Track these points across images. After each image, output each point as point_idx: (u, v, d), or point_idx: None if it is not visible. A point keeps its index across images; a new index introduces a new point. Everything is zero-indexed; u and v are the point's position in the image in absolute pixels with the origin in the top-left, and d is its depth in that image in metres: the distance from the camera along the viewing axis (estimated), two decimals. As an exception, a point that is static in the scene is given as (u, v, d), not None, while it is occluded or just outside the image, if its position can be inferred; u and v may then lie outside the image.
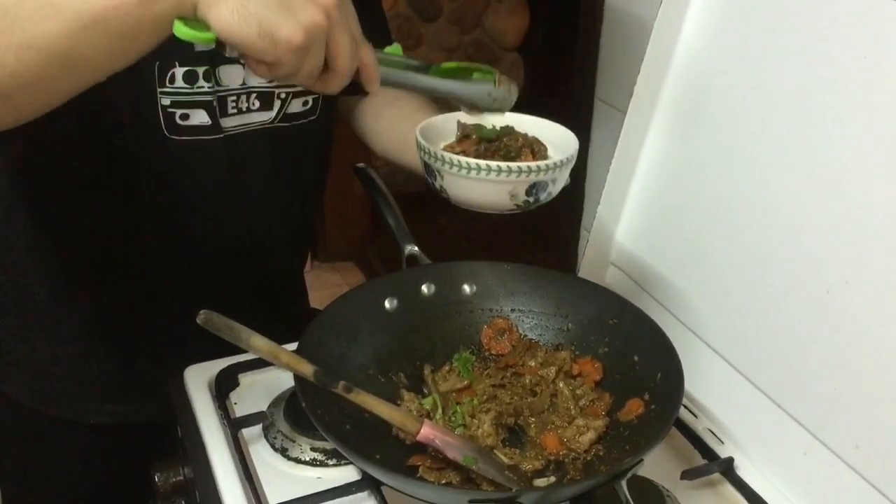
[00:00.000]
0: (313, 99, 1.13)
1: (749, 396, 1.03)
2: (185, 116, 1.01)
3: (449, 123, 1.03)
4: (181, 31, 0.69)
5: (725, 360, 1.07)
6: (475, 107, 0.98)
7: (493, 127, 1.00)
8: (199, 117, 1.02)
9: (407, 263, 1.14)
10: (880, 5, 0.88)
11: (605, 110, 1.52)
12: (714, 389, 1.08)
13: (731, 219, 1.07)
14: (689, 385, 0.94)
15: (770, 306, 1.01)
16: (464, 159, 0.90)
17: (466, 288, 1.11)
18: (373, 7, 1.28)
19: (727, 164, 1.08)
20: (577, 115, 1.61)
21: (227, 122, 1.05)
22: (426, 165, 0.95)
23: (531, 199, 0.94)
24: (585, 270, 1.30)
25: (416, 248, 1.14)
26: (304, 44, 0.69)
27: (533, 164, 0.91)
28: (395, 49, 0.91)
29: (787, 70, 0.99)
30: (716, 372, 1.08)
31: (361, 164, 1.27)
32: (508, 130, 0.99)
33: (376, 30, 1.29)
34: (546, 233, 2.21)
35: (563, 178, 0.96)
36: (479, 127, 1.00)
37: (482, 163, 0.90)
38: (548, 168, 0.92)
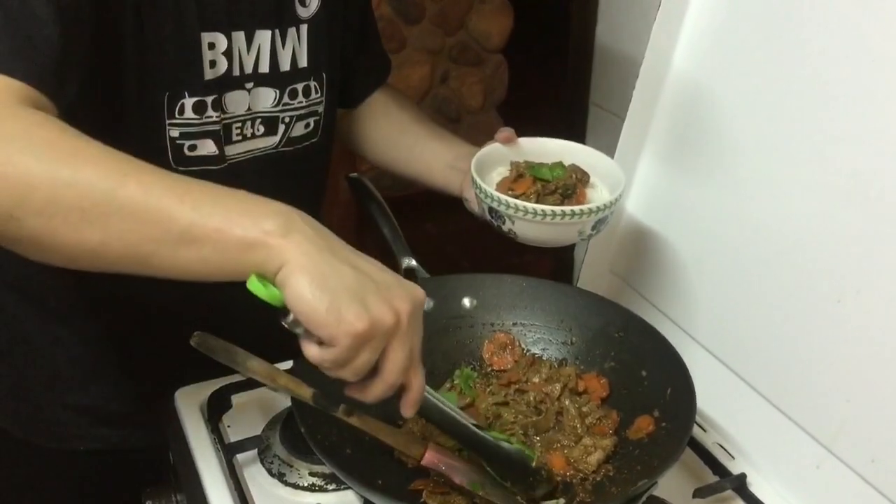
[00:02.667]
0: (315, 122, 1.11)
1: (759, 409, 1.01)
2: (193, 147, 0.98)
3: (494, 154, 1.08)
4: (255, 287, 0.71)
5: (734, 371, 1.05)
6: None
7: (546, 165, 1.05)
8: (207, 147, 0.99)
9: (404, 277, 1.10)
10: (884, 5, 0.86)
11: (601, 115, 1.50)
12: (723, 403, 1.05)
13: (738, 226, 1.05)
14: (698, 399, 0.92)
15: (779, 316, 0.99)
16: (538, 207, 0.96)
17: (466, 302, 1.09)
18: (372, 41, 1.26)
19: (732, 170, 1.06)
20: (570, 120, 1.59)
21: (231, 150, 1.03)
22: (492, 210, 0.99)
23: (595, 232, 1.01)
24: (585, 279, 1.28)
25: (414, 262, 1.11)
26: (366, 333, 0.70)
27: (599, 204, 0.98)
28: (450, 396, 0.93)
29: (794, 72, 0.97)
30: (724, 384, 1.05)
31: (355, 174, 1.24)
32: (559, 166, 1.05)
33: (376, 62, 1.27)
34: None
35: (616, 208, 1.02)
36: (533, 167, 1.04)
37: (556, 209, 0.96)
38: (611, 204, 0.99)
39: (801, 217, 0.96)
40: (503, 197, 0.98)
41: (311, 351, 0.73)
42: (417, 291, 0.76)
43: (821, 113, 0.94)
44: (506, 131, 1.09)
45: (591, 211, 0.97)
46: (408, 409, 0.79)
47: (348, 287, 0.70)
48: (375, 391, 0.76)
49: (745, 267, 1.04)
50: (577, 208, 0.97)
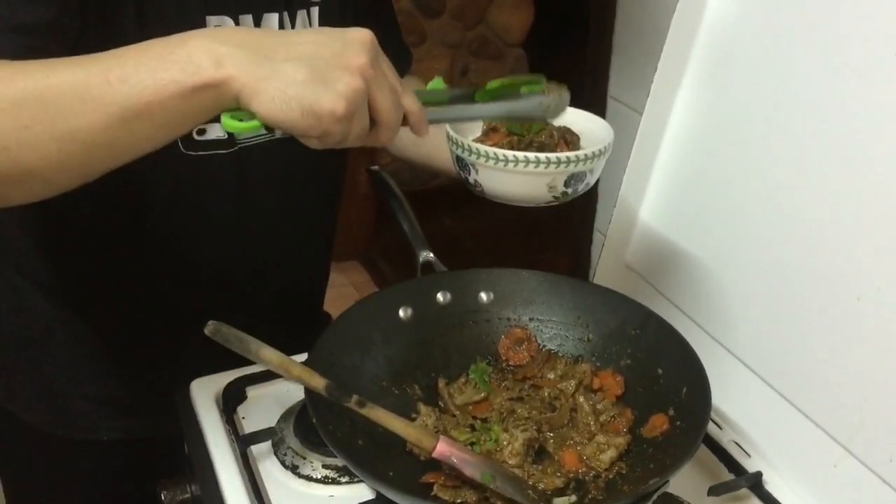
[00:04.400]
0: None
1: (776, 407, 1.00)
2: (202, 131, 0.99)
3: None
4: (229, 124, 0.71)
5: (750, 368, 1.04)
6: (530, 120, 0.93)
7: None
8: (216, 131, 1.00)
9: (422, 271, 1.10)
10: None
11: (619, 109, 1.49)
12: (739, 400, 1.04)
13: (757, 221, 1.04)
14: (714, 396, 0.91)
15: (797, 312, 0.98)
16: (500, 151, 0.89)
17: (483, 296, 1.08)
18: (391, 31, 1.25)
19: (751, 165, 1.05)
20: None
21: (241, 135, 1.03)
22: (459, 159, 0.93)
23: (569, 191, 0.92)
24: (601, 273, 1.27)
25: (432, 255, 1.11)
26: (347, 112, 0.70)
27: (571, 154, 0.90)
28: (436, 84, 0.88)
29: (817, 64, 0.95)
30: (741, 381, 1.04)
31: (375, 167, 1.24)
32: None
33: (396, 54, 1.26)
34: (556, 234, 2.18)
35: (599, 169, 0.94)
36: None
37: (520, 154, 0.89)
38: (586, 158, 0.90)
39: (822, 213, 0.95)
40: (465, 142, 0.91)
41: (312, 143, 0.73)
42: (362, 35, 0.73)
43: (842, 110, 0.92)
44: None
45: (559, 160, 0.89)
46: (420, 129, 0.79)
47: (305, 81, 0.68)
48: (385, 136, 0.76)
49: (763, 263, 1.03)
50: (542, 155, 0.89)
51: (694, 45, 1.11)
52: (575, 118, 1.00)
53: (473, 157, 0.91)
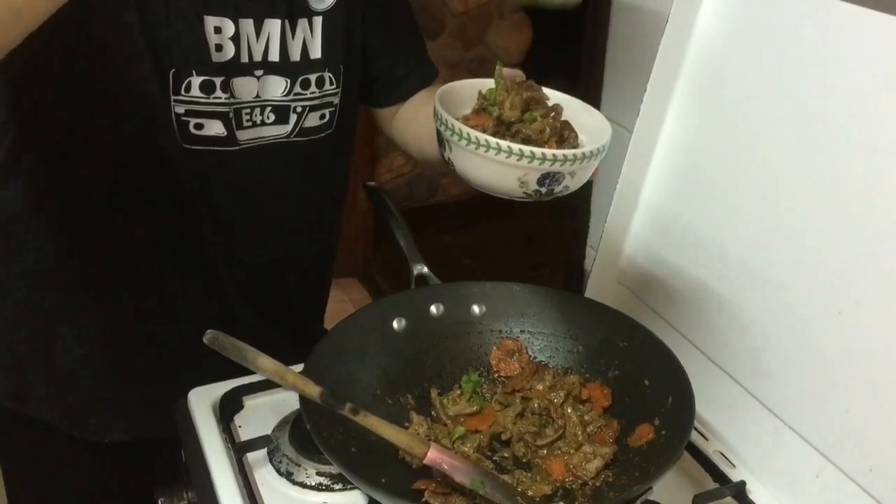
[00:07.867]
0: (330, 112, 1.12)
1: (760, 418, 1.02)
2: (199, 126, 1.00)
3: (471, 91, 0.94)
4: None
5: (736, 381, 1.06)
6: None
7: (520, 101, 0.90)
8: (215, 128, 1.01)
9: (416, 283, 1.13)
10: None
11: (612, 128, 1.52)
12: (725, 411, 1.06)
13: (742, 238, 1.06)
14: (700, 407, 0.93)
15: (781, 327, 1.00)
16: (474, 133, 0.83)
17: (476, 308, 1.10)
18: (410, 45, 1.26)
19: (737, 184, 1.07)
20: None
21: (242, 135, 1.05)
22: (438, 133, 0.88)
23: (543, 190, 0.86)
24: (592, 289, 1.29)
25: (426, 269, 1.13)
26: None
27: (548, 151, 0.83)
28: None
29: (802, 83, 0.98)
30: (726, 393, 1.06)
31: (372, 183, 1.27)
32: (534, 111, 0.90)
33: (416, 68, 1.26)
34: (552, 250, 2.21)
35: (585, 174, 0.88)
36: (491, 96, 0.90)
37: (493, 141, 0.83)
38: (564, 159, 0.83)
39: (804, 230, 0.97)
40: (445, 116, 0.86)
41: None
42: None
43: (828, 128, 0.95)
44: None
45: (532, 156, 0.82)
46: None
47: None
48: None
49: (748, 279, 1.05)
50: (515, 146, 0.82)
51: (682, 66, 1.14)
52: (585, 114, 0.97)
53: (448, 134, 0.85)
